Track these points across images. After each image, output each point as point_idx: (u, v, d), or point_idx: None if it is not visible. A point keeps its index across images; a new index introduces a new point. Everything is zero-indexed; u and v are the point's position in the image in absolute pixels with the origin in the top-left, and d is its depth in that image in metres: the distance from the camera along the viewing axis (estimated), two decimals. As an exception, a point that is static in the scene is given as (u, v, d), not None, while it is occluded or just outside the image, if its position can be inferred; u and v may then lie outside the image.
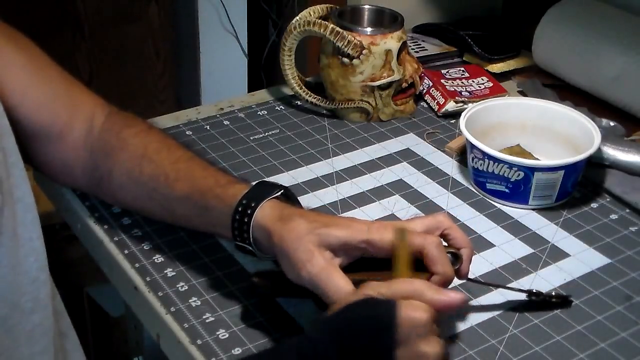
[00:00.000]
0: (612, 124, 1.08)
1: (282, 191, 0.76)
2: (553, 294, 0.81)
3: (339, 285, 0.68)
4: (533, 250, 0.89)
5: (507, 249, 0.89)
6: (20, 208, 0.74)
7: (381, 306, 0.64)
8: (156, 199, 0.82)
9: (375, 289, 0.66)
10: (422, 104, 1.18)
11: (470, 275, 0.77)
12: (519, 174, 0.93)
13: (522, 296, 0.80)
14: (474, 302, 0.80)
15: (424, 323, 0.64)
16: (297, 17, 1.10)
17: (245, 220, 0.73)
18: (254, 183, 0.77)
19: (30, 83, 0.81)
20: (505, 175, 0.94)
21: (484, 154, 0.94)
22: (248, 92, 1.64)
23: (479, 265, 0.85)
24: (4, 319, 0.73)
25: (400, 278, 0.68)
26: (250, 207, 0.73)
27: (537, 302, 0.80)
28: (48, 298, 0.77)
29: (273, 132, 1.09)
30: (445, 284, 0.71)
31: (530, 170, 0.92)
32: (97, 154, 0.85)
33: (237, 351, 0.74)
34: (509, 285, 0.82)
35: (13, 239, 0.72)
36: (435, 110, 1.14)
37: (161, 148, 0.83)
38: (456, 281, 0.75)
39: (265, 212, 0.73)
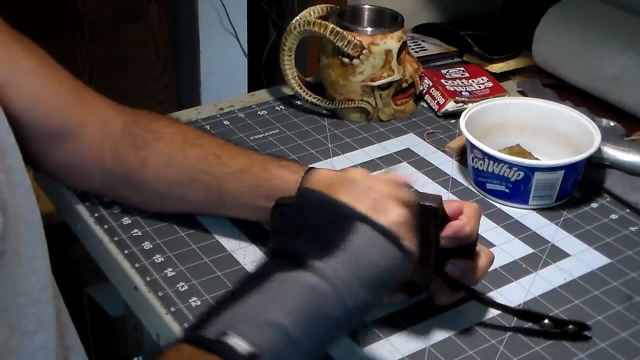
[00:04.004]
0: (612, 124, 1.08)
1: None
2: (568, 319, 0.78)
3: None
4: (533, 250, 0.89)
5: (507, 249, 0.89)
6: (24, 227, 0.73)
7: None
8: (202, 179, 0.84)
9: None
10: (422, 104, 1.18)
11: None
12: (519, 174, 0.93)
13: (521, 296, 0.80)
14: (474, 302, 0.80)
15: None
16: (297, 17, 1.10)
17: None
18: None
19: (42, 87, 0.81)
20: (505, 175, 0.94)
21: (484, 154, 0.94)
22: (248, 92, 1.63)
23: (479, 265, 0.85)
24: (5, 341, 0.72)
25: None
26: (321, 170, 0.78)
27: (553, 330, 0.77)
28: (52, 318, 0.77)
29: (273, 132, 1.09)
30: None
31: (530, 170, 0.92)
32: (124, 150, 0.86)
33: (237, 351, 0.74)
34: (521, 309, 0.80)
35: (15, 259, 0.72)
36: (435, 110, 1.14)
37: (200, 135, 0.88)
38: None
39: None
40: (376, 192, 0.63)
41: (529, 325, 0.78)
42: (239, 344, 0.55)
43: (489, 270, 0.85)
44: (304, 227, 0.63)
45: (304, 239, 0.61)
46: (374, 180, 0.65)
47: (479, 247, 0.77)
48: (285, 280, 0.59)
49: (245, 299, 0.58)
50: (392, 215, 0.62)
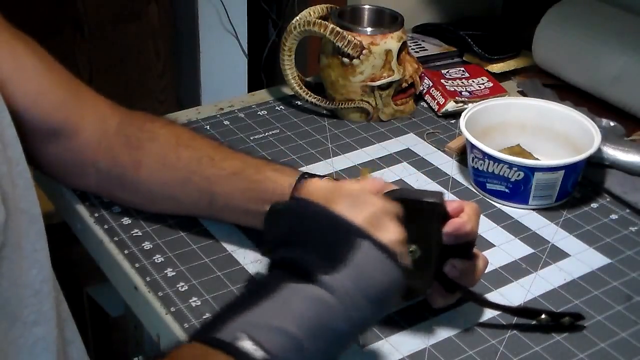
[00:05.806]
0: (612, 124, 1.08)
1: None
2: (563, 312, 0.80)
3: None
4: (533, 250, 0.89)
5: (507, 249, 0.89)
6: (25, 219, 0.73)
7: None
8: (194, 181, 0.84)
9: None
10: (422, 104, 1.18)
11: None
12: (519, 174, 0.93)
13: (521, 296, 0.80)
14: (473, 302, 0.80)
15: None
16: (297, 17, 1.10)
17: None
18: None
19: (43, 84, 0.81)
20: (505, 175, 0.94)
21: (484, 154, 0.94)
22: (248, 92, 1.63)
23: (479, 265, 0.85)
24: (5, 332, 0.72)
25: None
26: (315, 175, 0.80)
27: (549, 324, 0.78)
28: (52, 310, 0.77)
29: (273, 132, 1.09)
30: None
31: (530, 170, 0.92)
32: (119, 149, 0.86)
33: (237, 351, 0.74)
34: (516, 306, 0.81)
35: (16, 251, 0.72)
36: (435, 110, 1.14)
37: (194, 137, 0.87)
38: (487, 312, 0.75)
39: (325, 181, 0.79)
40: (373, 207, 0.64)
41: (528, 323, 0.78)
42: (255, 349, 0.56)
43: (489, 270, 0.85)
44: (302, 237, 0.63)
45: (306, 250, 0.62)
46: (369, 194, 0.66)
47: (475, 250, 0.77)
48: (294, 290, 0.60)
49: (256, 306, 0.59)
50: (391, 233, 0.64)
